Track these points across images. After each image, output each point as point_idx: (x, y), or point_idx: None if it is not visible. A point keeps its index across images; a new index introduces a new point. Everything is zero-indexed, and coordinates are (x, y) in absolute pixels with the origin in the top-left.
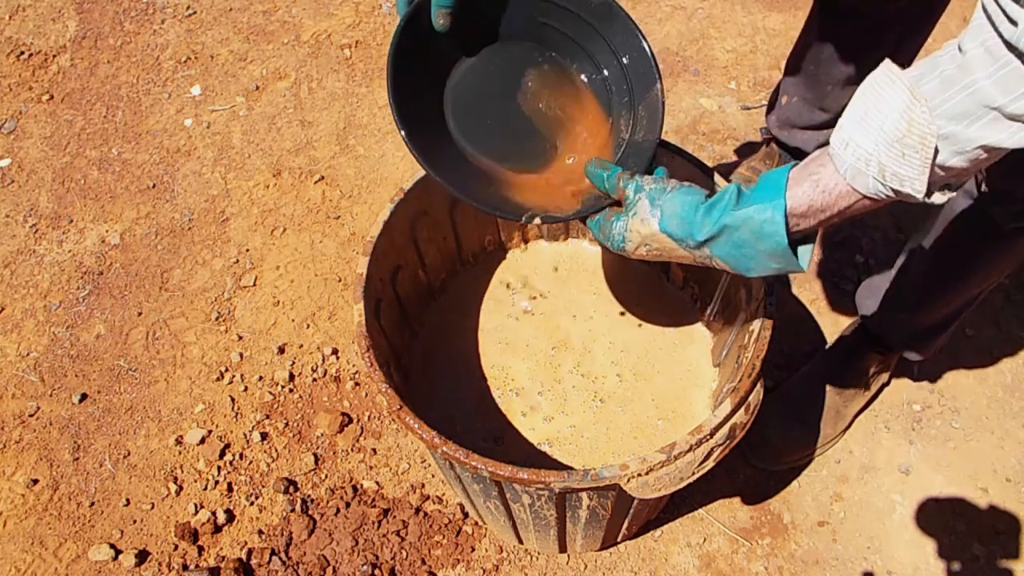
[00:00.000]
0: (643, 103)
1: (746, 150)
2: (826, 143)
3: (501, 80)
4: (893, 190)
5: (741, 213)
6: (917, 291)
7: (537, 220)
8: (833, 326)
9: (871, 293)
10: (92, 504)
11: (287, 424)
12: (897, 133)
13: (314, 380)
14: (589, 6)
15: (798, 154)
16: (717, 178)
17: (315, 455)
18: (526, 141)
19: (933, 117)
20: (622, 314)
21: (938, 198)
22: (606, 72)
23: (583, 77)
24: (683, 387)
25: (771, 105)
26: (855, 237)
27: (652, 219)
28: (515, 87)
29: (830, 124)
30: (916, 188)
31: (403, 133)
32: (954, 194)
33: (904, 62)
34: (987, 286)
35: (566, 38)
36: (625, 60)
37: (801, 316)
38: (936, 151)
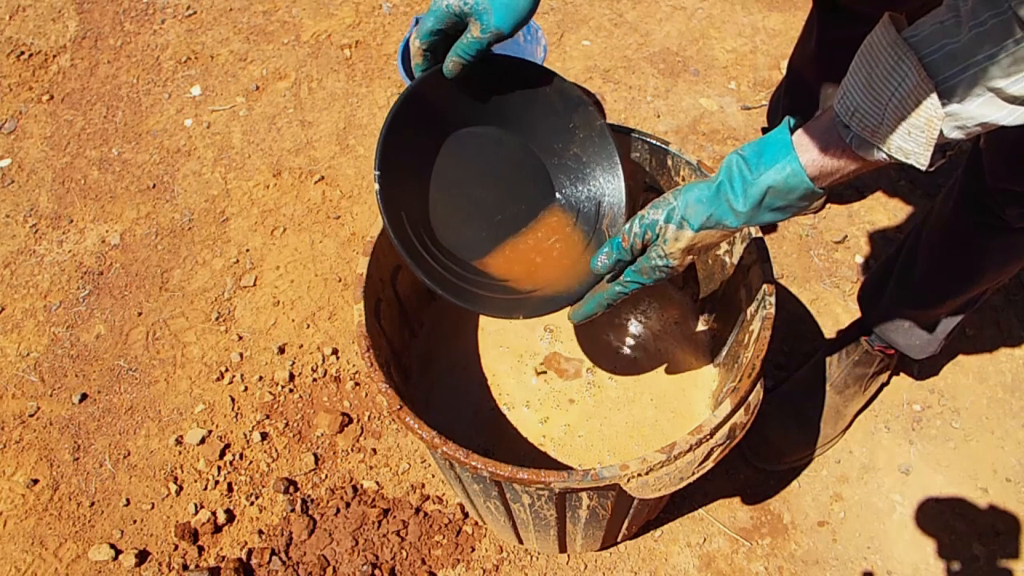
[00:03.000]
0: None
1: None
2: None
3: (478, 172)
4: (895, 159)
5: (762, 179)
6: (924, 290)
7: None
8: (833, 326)
9: (873, 292)
10: (92, 504)
11: (287, 424)
12: (903, 112)
13: (314, 380)
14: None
15: None
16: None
17: (315, 455)
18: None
19: (940, 99)
20: (622, 314)
21: (935, 165)
22: (579, 188)
23: (557, 193)
24: (683, 387)
25: (772, 106)
26: (855, 237)
27: (684, 230)
28: (490, 183)
29: None
30: (920, 162)
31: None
32: (944, 160)
33: None
34: (995, 284)
35: (557, 150)
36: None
37: (801, 316)
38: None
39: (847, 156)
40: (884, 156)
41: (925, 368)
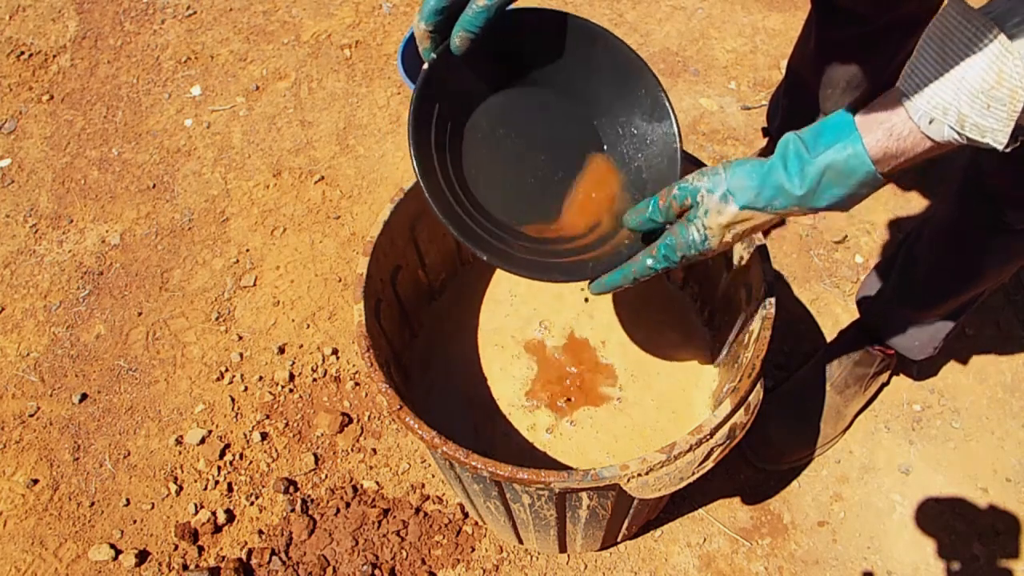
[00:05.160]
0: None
1: (746, 150)
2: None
3: (513, 136)
4: (969, 139)
5: (821, 159)
6: (923, 290)
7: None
8: (833, 326)
9: (872, 292)
10: (92, 504)
11: (287, 424)
12: (984, 84)
13: (314, 380)
14: (621, 64)
15: None
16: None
17: (315, 455)
18: (534, 198)
19: None
20: (622, 314)
21: (1010, 147)
22: (620, 131)
23: (601, 138)
24: (683, 387)
25: (772, 107)
26: (855, 237)
27: (727, 204)
28: (527, 142)
29: None
30: (998, 140)
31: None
32: (1018, 144)
33: (904, 61)
34: (995, 284)
35: (590, 90)
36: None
37: (801, 316)
38: None
39: (914, 137)
40: (955, 136)
41: (925, 368)
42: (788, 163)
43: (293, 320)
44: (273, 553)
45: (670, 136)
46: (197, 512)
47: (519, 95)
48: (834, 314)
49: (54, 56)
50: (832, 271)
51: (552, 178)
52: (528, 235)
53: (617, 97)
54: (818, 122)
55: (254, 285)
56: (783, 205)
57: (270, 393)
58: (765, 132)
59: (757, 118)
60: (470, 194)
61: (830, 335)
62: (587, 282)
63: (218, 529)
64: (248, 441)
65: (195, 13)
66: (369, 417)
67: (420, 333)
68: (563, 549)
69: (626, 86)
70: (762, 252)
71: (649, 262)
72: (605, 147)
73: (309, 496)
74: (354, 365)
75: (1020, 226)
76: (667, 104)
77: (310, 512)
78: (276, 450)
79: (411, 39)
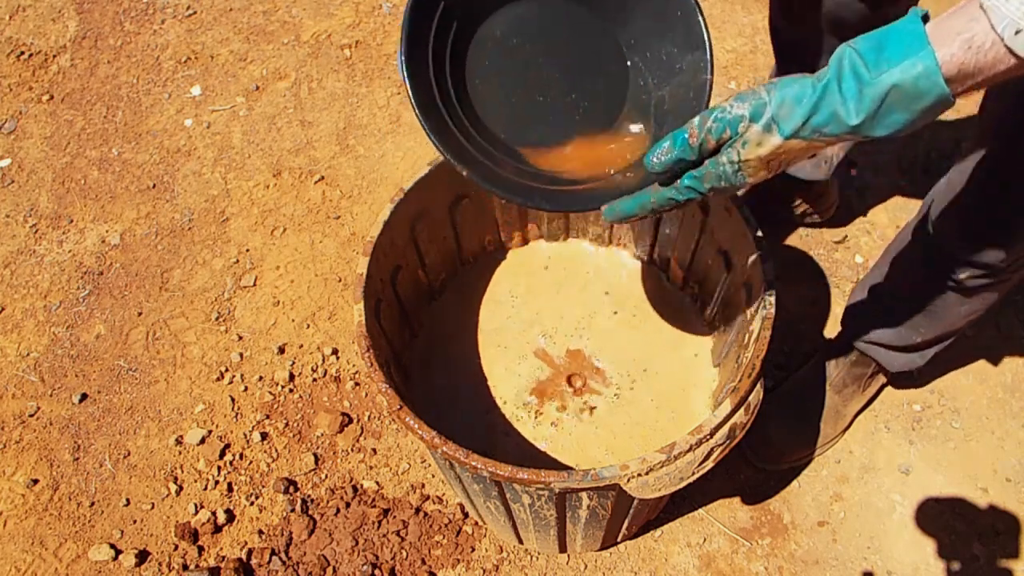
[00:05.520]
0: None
1: None
2: None
3: (527, 52)
4: None
5: (884, 77)
6: (894, 330)
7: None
8: (833, 326)
9: (853, 316)
10: (92, 504)
11: (287, 424)
12: None
13: (314, 380)
14: None
15: None
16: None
17: (315, 455)
18: (546, 121)
19: None
20: (622, 314)
21: None
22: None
23: (626, 60)
24: (683, 387)
25: None
26: (855, 237)
27: (771, 134)
28: (544, 62)
29: None
30: None
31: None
32: None
33: None
34: (964, 327)
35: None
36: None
37: (801, 316)
38: None
39: (996, 51)
40: None
41: (925, 369)
42: (843, 83)
43: (293, 320)
44: (273, 553)
45: (702, 65)
46: (197, 512)
47: (543, 5)
48: (834, 314)
49: (54, 56)
50: (832, 271)
51: (564, 99)
52: (523, 158)
53: (650, 17)
54: (880, 30)
55: (254, 285)
56: (833, 132)
57: (270, 393)
58: None
59: None
60: (466, 104)
61: (830, 335)
62: (602, 207)
63: (218, 529)
64: (248, 441)
65: (195, 13)
66: (369, 417)
67: (420, 333)
68: (563, 549)
69: (662, 6)
70: (762, 252)
71: (670, 194)
72: (629, 69)
73: (309, 496)
74: (354, 365)
75: (974, 284)
76: (703, 30)
77: (310, 512)
78: (276, 450)
79: None
